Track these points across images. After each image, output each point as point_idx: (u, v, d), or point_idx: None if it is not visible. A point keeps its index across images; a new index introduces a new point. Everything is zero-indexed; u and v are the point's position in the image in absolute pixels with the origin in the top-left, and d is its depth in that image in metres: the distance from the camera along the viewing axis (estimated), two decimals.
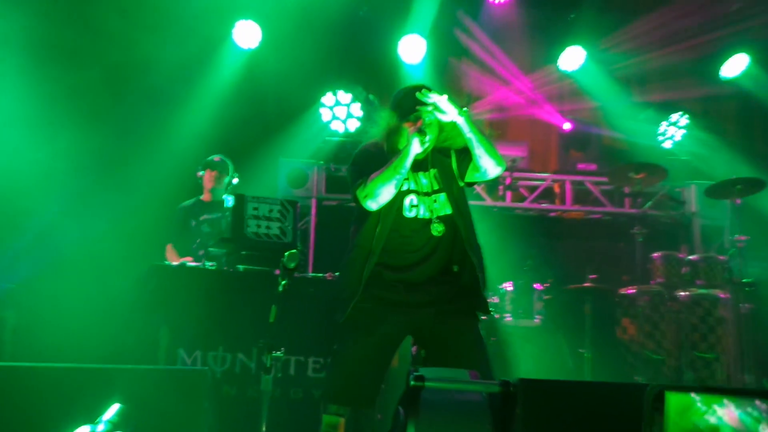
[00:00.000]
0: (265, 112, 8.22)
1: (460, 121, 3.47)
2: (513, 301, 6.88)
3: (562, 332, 7.34)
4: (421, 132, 3.51)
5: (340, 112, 8.28)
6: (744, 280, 6.59)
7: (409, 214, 3.64)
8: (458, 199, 3.67)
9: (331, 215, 8.36)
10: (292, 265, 3.78)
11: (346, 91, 8.29)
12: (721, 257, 7.08)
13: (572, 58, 8.93)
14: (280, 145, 8.18)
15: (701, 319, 6.77)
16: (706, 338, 6.74)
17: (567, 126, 9.15)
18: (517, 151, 8.74)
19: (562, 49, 8.93)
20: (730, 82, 9.03)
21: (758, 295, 6.70)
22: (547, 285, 7.06)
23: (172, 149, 7.36)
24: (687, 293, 6.84)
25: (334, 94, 8.28)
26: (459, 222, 3.63)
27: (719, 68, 8.96)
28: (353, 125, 8.25)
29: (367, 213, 3.59)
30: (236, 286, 5.24)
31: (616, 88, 9.14)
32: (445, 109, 3.49)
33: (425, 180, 3.67)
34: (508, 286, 6.97)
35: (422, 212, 3.63)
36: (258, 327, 4.66)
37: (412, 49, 8.45)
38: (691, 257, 7.17)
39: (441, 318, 3.61)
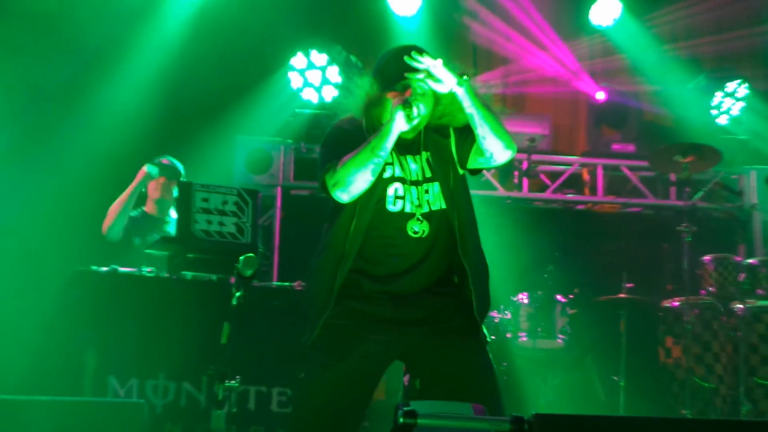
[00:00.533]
0: (219, 78, 8.19)
1: (459, 91, 3.46)
2: (530, 317, 6.90)
3: (591, 355, 7.37)
4: (407, 104, 3.49)
5: (314, 78, 8.27)
6: None
7: (393, 207, 3.63)
8: (454, 191, 3.65)
9: (301, 208, 8.36)
10: (249, 272, 3.79)
11: (322, 50, 8.28)
12: None
13: (606, 10, 8.93)
14: (236, 119, 8.17)
15: (762, 338, 6.80)
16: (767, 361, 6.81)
17: (600, 96, 9.17)
18: (536, 127, 8.75)
19: (594, 0, 8.94)
20: None
21: None
22: (573, 296, 7.08)
23: (99, 124, 7.34)
24: (745, 306, 6.88)
25: (306, 54, 8.27)
26: (453, 219, 3.63)
27: None
28: (330, 94, 8.25)
29: (340, 206, 3.58)
30: (181, 297, 5.24)
31: (659, 49, 9.16)
32: (440, 76, 3.47)
33: (414, 165, 3.65)
34: (524, 299, 6.99)
35: (409, 206, 3.63)
36: (208, 349, 4.62)
37: None
38: (750, 261, 7.22)
39: (437, 338, 3.60)
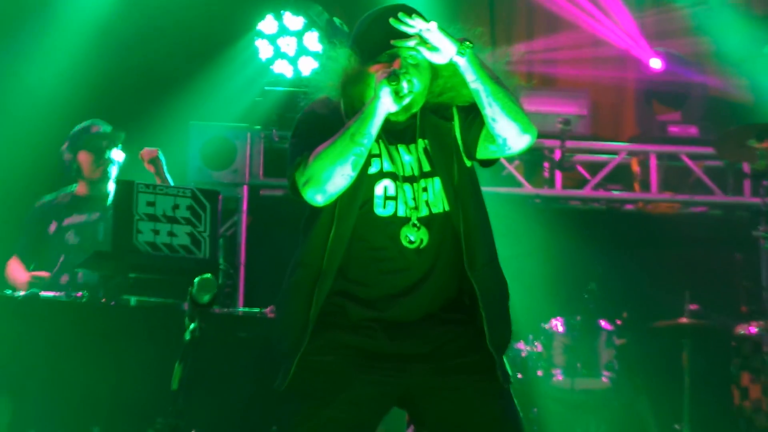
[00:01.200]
0: (166, 49, 8.21)
1: (461, 62, 3.47)
2: (567, 349, 6.93)
3: (646, 397, 7.39)
4: (394, 78, 3.49)
5: (288, 46, 8.29)
6: None
7: (383, 211, 3.62)
8: (460, 188, 3.65)
9: (273, 212, 8.39)
10: (207, 298, 3.79)
11: (297, 12, 8.31)
12: None
13: None
14: (190, 100, 8.19)
15: None
16: None
17: (656, 63, 9.18)
18: (571, 106, 8.76)
19: None
20: None
21: None
22: (621, 322, 7.10)
23: (20, 108, 7.32)
24: None
25: (278, 17, 8.29)
26: (459, 223, 3.63)
27: None
28: (308, 67, 8.28)
29: (317, 212, 3.59)
30: (121, 329, 5.23)
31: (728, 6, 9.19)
32: (435, 43, 3.49)
33: (408, 157, 3.64)
34: (558, 326, 7.01)
35: (402, 208, 3.63)
36: (156, 396, 4.64)
37: None
38: None
39: (445, 379, 3.60)
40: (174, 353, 3.94)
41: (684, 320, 7.11)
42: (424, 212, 3.59)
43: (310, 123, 3.62)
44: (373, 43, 3.56)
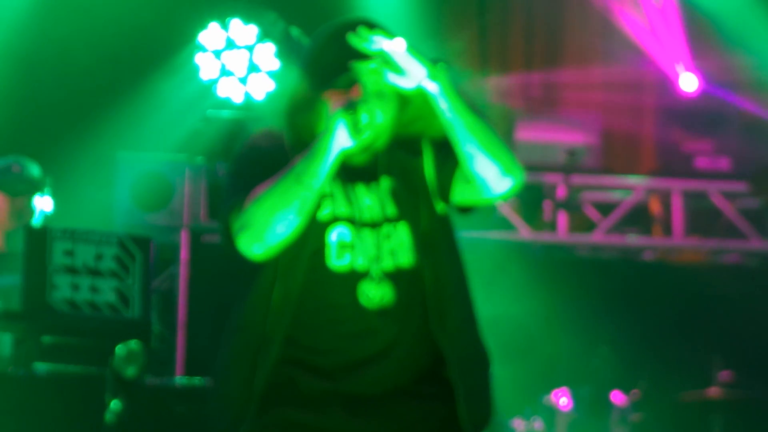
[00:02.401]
0: (91, 65, 8.26)
1: (432, 88, 3.51)
2: (573, 426, 6.95)
3: None
4: (351, 109, 3.51)
5: (236, 62, 8.38)
6: None
7: (338, 262, 3.64)
8: (429, 236, 3.67)
9: (219, 262, 8.39)
10: (132, 371, 3.80)
11: (247, 20, 8.40)
12: None
13: None
14: (117, 127, 8.24)
15: None
16: None
17: (690, 85, 9.23)
18: (578, 134, 8.83)
19: None
20: None
21: None
22: (638, 393, 7.13)
23: None
24: None
25: (224, 27, 8.37)
26: (424, 277, 3.65)
27: None
28: (261, 87, 8.33)
29: (258, 265, 3.60)
30: (32, 403, 5.19)
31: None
32: (403, 64, 3.52)
33: (368, 199, 3.67)
34: (563, 399, 7.03)
35: (361, 260, 3.63)
36: None
37: None
38: None
39: None
40: None
41: (714, 391, 7.19)
42: (387, 264, 3.60)
43: (250, 159, 3.62)
44: (328, 64, 3.58)
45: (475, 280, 3.72)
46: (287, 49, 8.35)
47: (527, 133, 8.80)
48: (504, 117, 8.89)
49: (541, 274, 8.24)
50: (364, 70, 3.52)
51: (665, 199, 9.02)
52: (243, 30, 8.36)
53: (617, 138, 9.49)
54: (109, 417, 3.85)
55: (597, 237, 8.87)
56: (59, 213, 6.17)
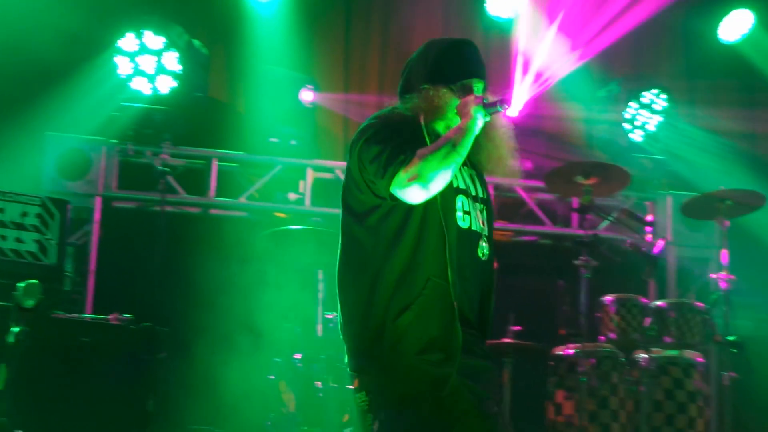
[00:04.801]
0: (24, 60, 8.14)
1: (480, 123, 3.74)
2: None
3: None
4: (489, 106, 3.74)
5: (147, 64, 8.34)
6: (728, 338, 6.96)
7: (463, 224, 3.80)
8: (492, 216, 3.97)
9: (126, 224, 8.35)
10: (31, 303, 3.78)
11: (158, 32, 8.35)
12: (700, 304, 7.43)
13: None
14: (47, 112, 8.13)
15: (668, 394, 7.07)
16: (672, 421, 7.05)
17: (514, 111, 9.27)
18: None
19: None
20: (730, 49, 9.56)
21: (745, 360, 7.09)
22: None
23: None
24: (649, 356, 7.12)
25: (138, 36, 8.32)
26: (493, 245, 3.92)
27: (715, 28, 9.50)
28: (166, 85, 8.34)
29: (413, 222, 3.69)
30: None
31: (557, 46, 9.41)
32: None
33: (470, 180, 3.91)
34: None
35: (475, 224, 3.83)
36: None
37: None
38: (657, 303, 7.49)
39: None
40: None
41: (506, 340, 7.27)
42: (486, 231, 3.87)
43: (394, 130, 3.76)
44: (470, 72, 3.90)
45: None
46: (188, 56, 8.35)
47: None
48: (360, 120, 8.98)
49: None
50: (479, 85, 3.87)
51: None
52: (154, 39, 8.32)
53: None
54: (10, 338, 3.85)
55: None
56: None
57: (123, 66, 8.29)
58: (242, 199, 8.70)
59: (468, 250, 3.74)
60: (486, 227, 3.84)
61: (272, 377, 6.85)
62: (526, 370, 7.57)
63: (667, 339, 7.28)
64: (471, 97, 3.76)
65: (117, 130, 8.41)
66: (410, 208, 3.64)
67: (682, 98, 9.60)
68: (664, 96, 9.30)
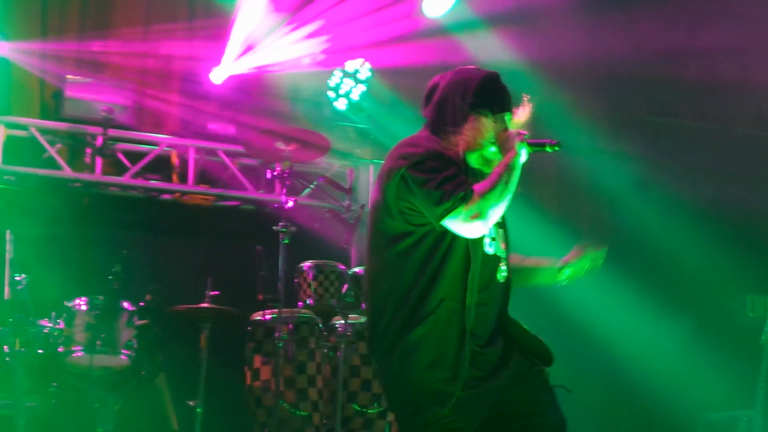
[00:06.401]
0: None
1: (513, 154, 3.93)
2: (88, 327, 6.89)
3: (164, 376, 7.49)
4: (535, 145, 3.94)
5: None
6: None
7: (488, 250, 4.03)
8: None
9: None
10: None
11: None
12: None
13: None
14: None
15: (364, 359, 7.28)
16: (369, 386, 7.29)
17: (219, 78, 9.19)
18: (116, 95, 8.82)
19: None
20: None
21: None
22: (144, 304, 7.19)
23: None
24: (346, 322, 7.31)
25: None
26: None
27: None
28: None
29: (445, 242, 3.89)
30: None
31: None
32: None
33: None
34: (81, 305, 6.99)
35: (498, 249, 4.07)
36: None
37: None
38: (356, 270, 7.65)
39: None
40: None
41: (204, 305, 7.26)
42: (505, 254, 4.11)
43: (444, 165, 3.89)
44: (502, 103, 4.08)
45: None
46: None
47: (75, 92, 8.70)
48: (57, 76, 8.77)
49: (72, 206, 8.18)
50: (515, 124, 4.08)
51: (183, 153, 9.17)
52: None
53: (148, 102, 9.36)
54: None
55: (126, 179, 8.94)
56: None
57: None
58: None
59: (488, 275, 4.01)
60: (506, 249, 4.13)
61: None
62: (225, 335, 7.61)
63: (364, 305, 7.34)
64: (514, 132, 3.98)
65: None
66: (442, 236, 3.88)
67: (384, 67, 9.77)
68: (368, 65, 9.46)
